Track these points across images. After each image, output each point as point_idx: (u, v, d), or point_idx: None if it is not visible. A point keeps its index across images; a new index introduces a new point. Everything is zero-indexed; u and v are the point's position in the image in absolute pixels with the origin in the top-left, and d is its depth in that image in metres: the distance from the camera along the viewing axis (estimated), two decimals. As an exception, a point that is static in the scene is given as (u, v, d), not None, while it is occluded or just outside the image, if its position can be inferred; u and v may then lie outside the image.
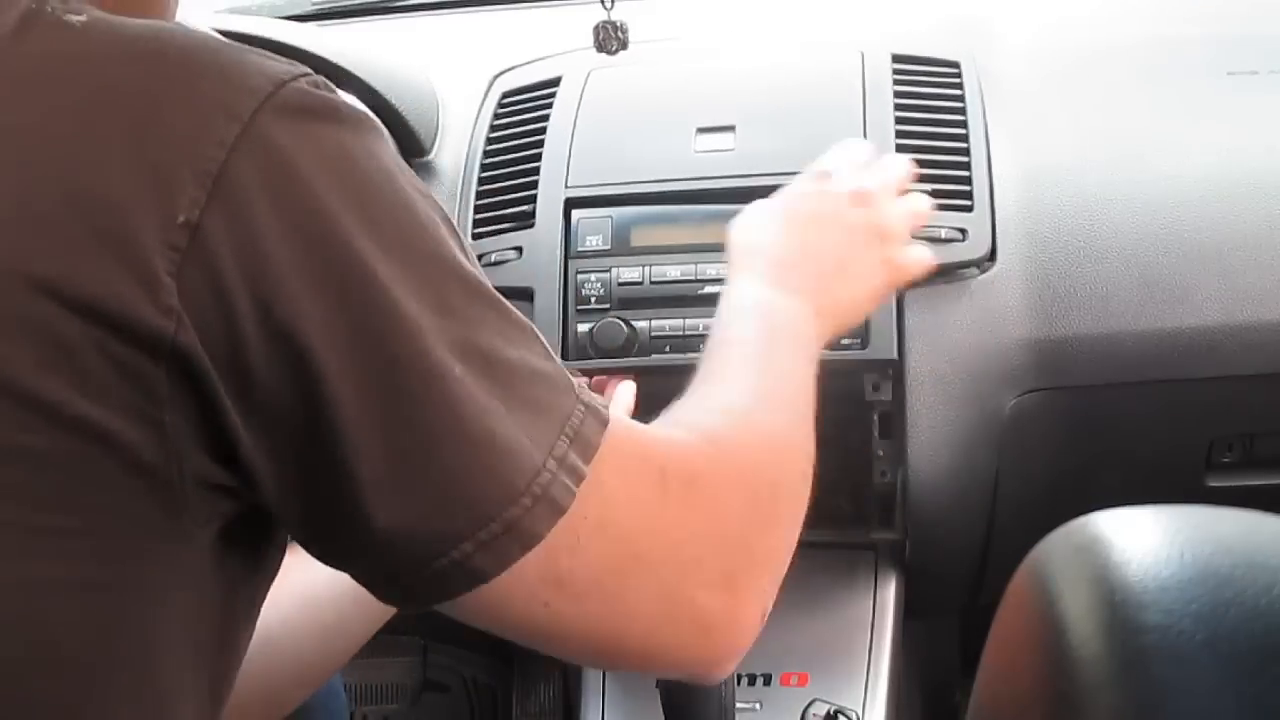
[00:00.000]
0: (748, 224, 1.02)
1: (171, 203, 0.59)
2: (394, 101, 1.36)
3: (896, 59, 1.35)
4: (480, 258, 1.26)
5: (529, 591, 0.65)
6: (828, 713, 1.17)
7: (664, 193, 1.28)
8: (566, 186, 1.30)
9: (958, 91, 1.34)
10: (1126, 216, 1.27)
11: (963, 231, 1.24)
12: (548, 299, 1.25)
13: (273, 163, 0.60)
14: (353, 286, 0.61)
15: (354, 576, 0.68)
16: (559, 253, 1.27)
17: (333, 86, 0.66)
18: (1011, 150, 1.32)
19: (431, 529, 0.63)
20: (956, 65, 1.37)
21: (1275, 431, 1.32)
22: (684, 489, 0.71)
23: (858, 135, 1.27)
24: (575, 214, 1.28)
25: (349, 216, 0.61)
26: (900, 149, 1.26)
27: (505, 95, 1.42)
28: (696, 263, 1.24)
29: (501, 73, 1.44)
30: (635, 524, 0.68)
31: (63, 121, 0.60)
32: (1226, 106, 1.35)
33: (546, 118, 1.36)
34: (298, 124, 0.61)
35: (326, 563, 0.68)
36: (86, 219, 0.58)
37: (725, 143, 1.30)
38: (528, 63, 1.45)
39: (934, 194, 1.21)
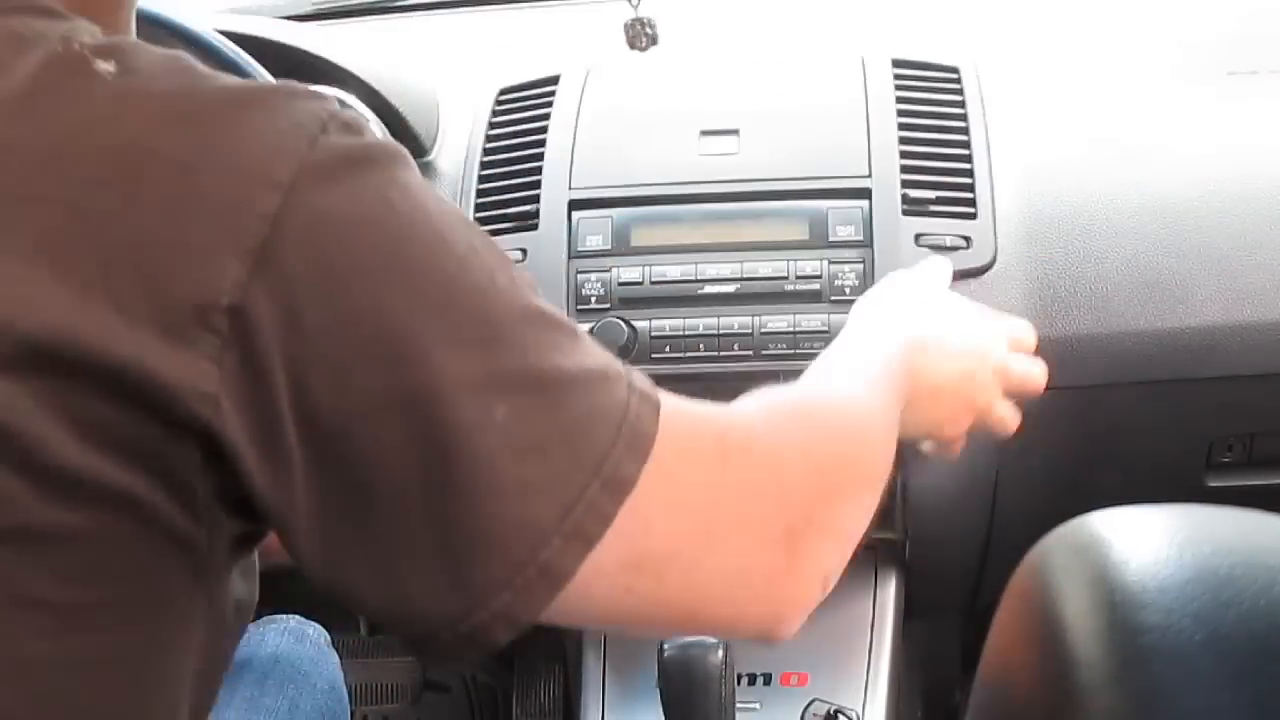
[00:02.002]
0: (915, 301, 0.99)
1: (214, 284, 0.57)
2: (394, 102, 1.36)
3: (897, 64, 1.35)
4: None
5: (610, 580, 0.65)
6: (828, 712, 1.17)
7: (669, 195, 1.28)
8: (570, 188, 1.30)
9: (958, 97, 1.33)
10: (1126, 217, 1.27)
11: (966, 239, 1.24)
12: (553, 300, 1.25)
13: (314, 234, 0.59)
14: (393, 358, 0.60)
15: (410, 640, 0.66)
16: (564, 255, 1.27)
17: (361, 119, 0.65)
18: (1012, 151, 1.32)
19: (483, 577, 0.62)
20: (956, 71, 1.37)
21: (1275, 431, 1.32)
22: (743, 452, 0.71)
23: (862, 141, 1.28)
24: (575, 214, 1.28)
25: (389, 278, 0.60)
26: (904, 155, 1.27)
27: (503, 93, 1.41)
28: (697, 263, 1.24)
29: (502, 74, 1.44)
30: (701, 495, 0.68)
31: (98, 195, 0.58)
32: (1226, 106, 1.35)
33: (547, 117, 1.35)
34: (335, 183, 0.60)
35: (380, 625, 0.68)
36: (126, 297, 0.57)
37: (729, 146, 1.30)
38: (530, 81, 1.45)
39: (937, 200, 1.23)
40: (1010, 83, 1.38)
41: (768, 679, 1.23)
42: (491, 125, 1.39)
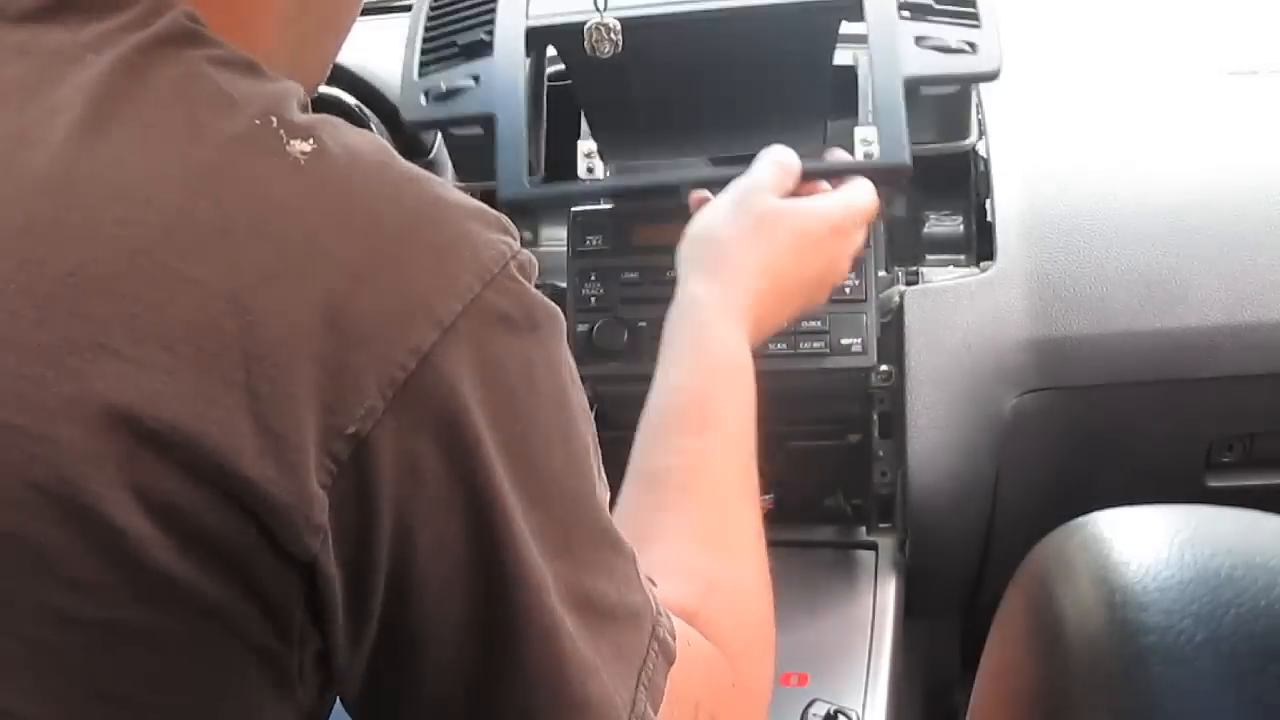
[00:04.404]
0: (728, 218, 1.01)
1: (347, 408, 0.54)
2: (394, 101, 1.36)
3: None
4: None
5: None
6: (828, 713, 1.17)
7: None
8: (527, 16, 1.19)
9: None
10: (1126, 217, 1.27)
11: (971, 45, 1.16)
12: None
13: (455, 383, 0.56)
14: (492, 531, 0.58)
15: None
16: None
17: (532, 263, 0.62)
18: (1012, 151, 1.32)
19: None
20: None
21: (1275, 431, 1.32)
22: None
23: None
24: (575, 213, 1.28)
25: (509, 450, 0.58)
26: None
27: None
28: (697, 263, 1.24)
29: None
30: None
31: (260, 290, 0.53)
32: (1226, 106, 1.35)
33: None
34: (494, 336, 0.57)
35: None
36: (255, 402, 0.53)
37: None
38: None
39: (939, 12, 1.17)
40: (1009, 84, 1.38)
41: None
42: None
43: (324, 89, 1.33)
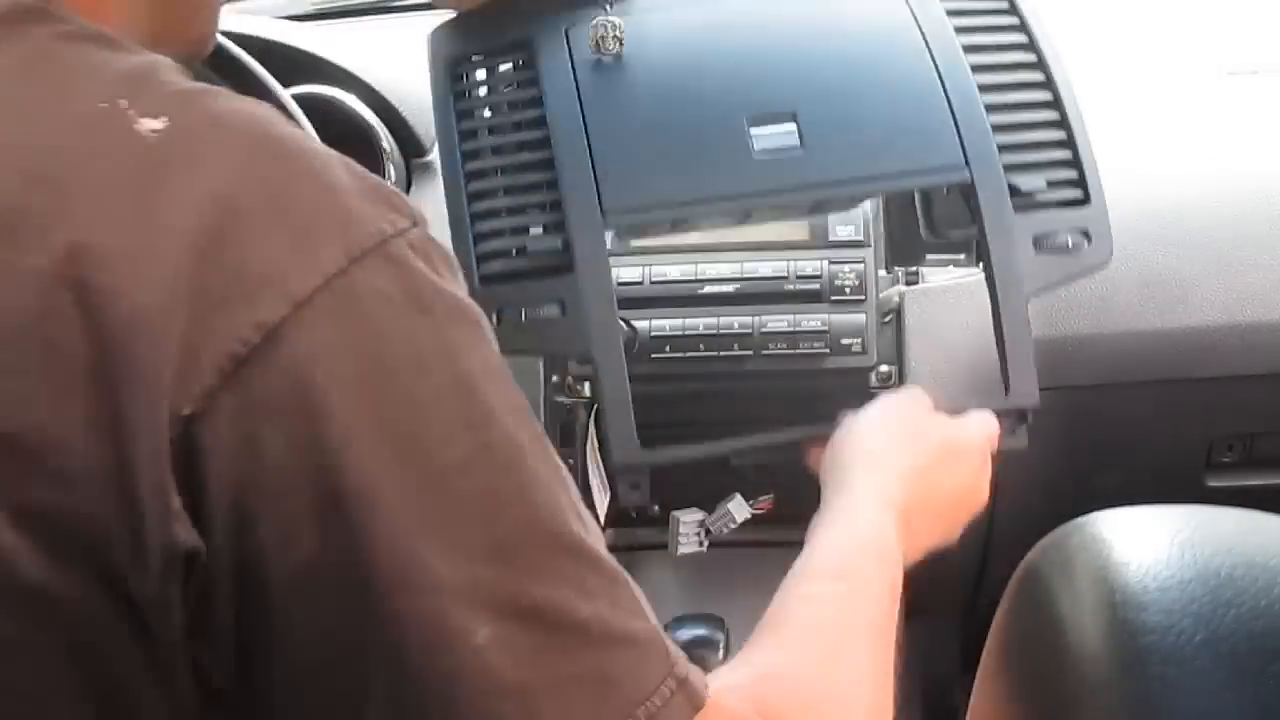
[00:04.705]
0: (879, 425, 0.91)
1: (187, 389, 0.50)
2: (394, 102, 1.36)
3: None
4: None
5: None
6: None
7: (727, 204, 0.96)
8: (603, 211, 0.92)
9: (1024, 39, 1.04)
10: (1126, 216, 1.27)
11: (1086, 235, 1.00)
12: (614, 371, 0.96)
13: (309, 362, 0.51)
14: (351, 524, 0.52)
15: None
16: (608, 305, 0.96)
17: (443, 252, 0.57)
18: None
19: None
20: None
21: (1275, 431, 1.32)
22: None
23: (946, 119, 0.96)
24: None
25: (386, 434, 0.52)
26: (997, 129, 0.97)
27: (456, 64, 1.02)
28: (696, 263, 1.24)
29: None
30: None
31: (95, 267, 0.51)
32: (1226, 106, 1.35)
33: (539, 103, 0.96)
34: (368, 314, 0.53)
35: None
36: (103, 391, 0.50)
37: (787, 138, 0.94)
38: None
39: (1051, 202, 0.99)
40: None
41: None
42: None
43: (324, 89, 1.33)
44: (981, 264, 0.97)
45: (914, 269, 1.30)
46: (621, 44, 0.94)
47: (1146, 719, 0.45)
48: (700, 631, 0.98)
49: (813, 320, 1.20)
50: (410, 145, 1.36)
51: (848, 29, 1.00)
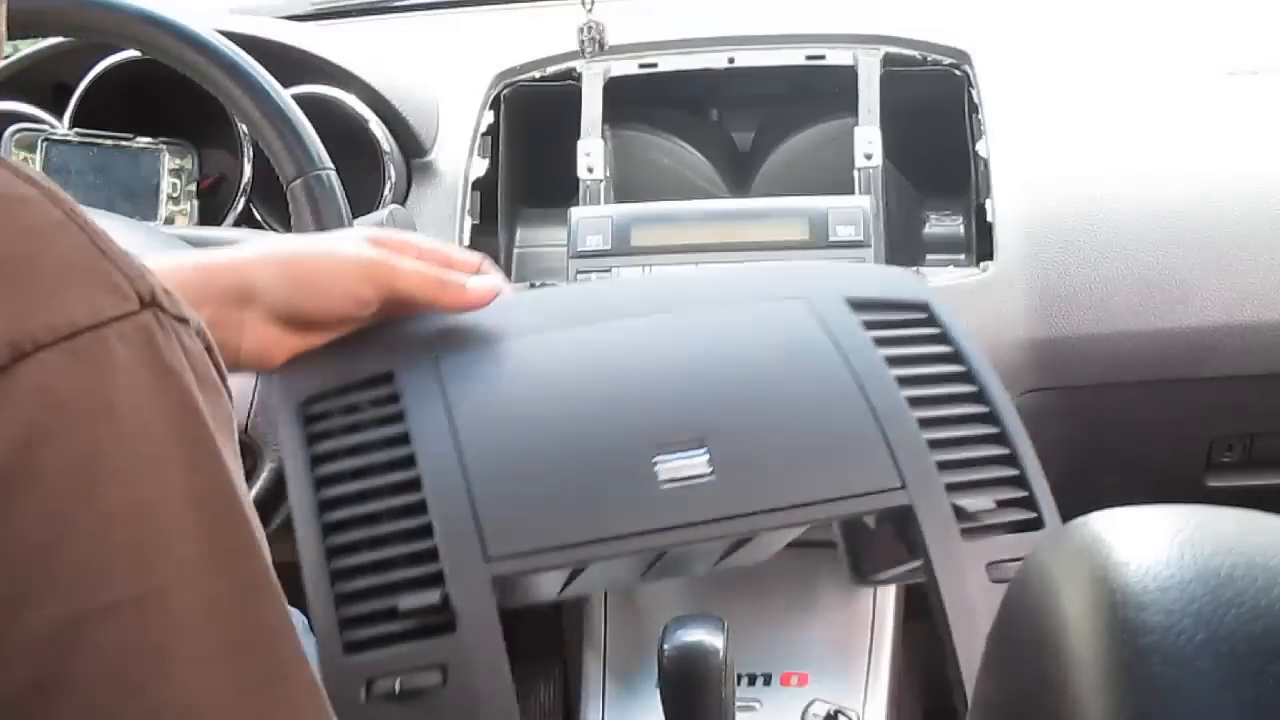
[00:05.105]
0: None
1: None
2: (394, 102, 1.36)
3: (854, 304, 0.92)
4: None
5: None
6: (828, 713, 1.17)
7: (631, 544, 0.81)
8: (487, 559, 0.78)
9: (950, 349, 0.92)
10: (1126, 217, 1.27)
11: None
12: None
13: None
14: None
15: None
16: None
17: (160, 343, 0.49)
18: (1011, 151, 1.32)
19: None
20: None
21: (1275, 431, 1.32)
22: None
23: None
24: (575, 214, 1.28)
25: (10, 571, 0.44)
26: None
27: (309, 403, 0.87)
28: (696, 263, 1.24)
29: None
30: None
31: None
32: (1226, 106, 1.35)
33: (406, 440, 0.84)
34: (9, 417, 0.44)
35: None
36: None
37: (697, 467, 0.83)
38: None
39: (993, 500, 0.87)
40: (1010, 84, 1.38)
41: (768, 679, 1.23)
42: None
43: (324, 89, 1.33)
44: (930, 598, 0.85)
45: (914, 269, 1.30)
46: (600, 47, 0.93)
47: (1146, 719, 0.45)
48: (700, 632, 0.98)
49: (813, 320, 1.20)
50: (410, 145, 1.37)
51: (757, 345, 0.89)
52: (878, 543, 0.89)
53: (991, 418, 0.88)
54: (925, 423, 0.84)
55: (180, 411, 0.48)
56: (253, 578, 0.48)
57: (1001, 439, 0.88)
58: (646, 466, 0.80)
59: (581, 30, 0.94)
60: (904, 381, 0.86)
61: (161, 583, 0.45)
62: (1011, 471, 0.87)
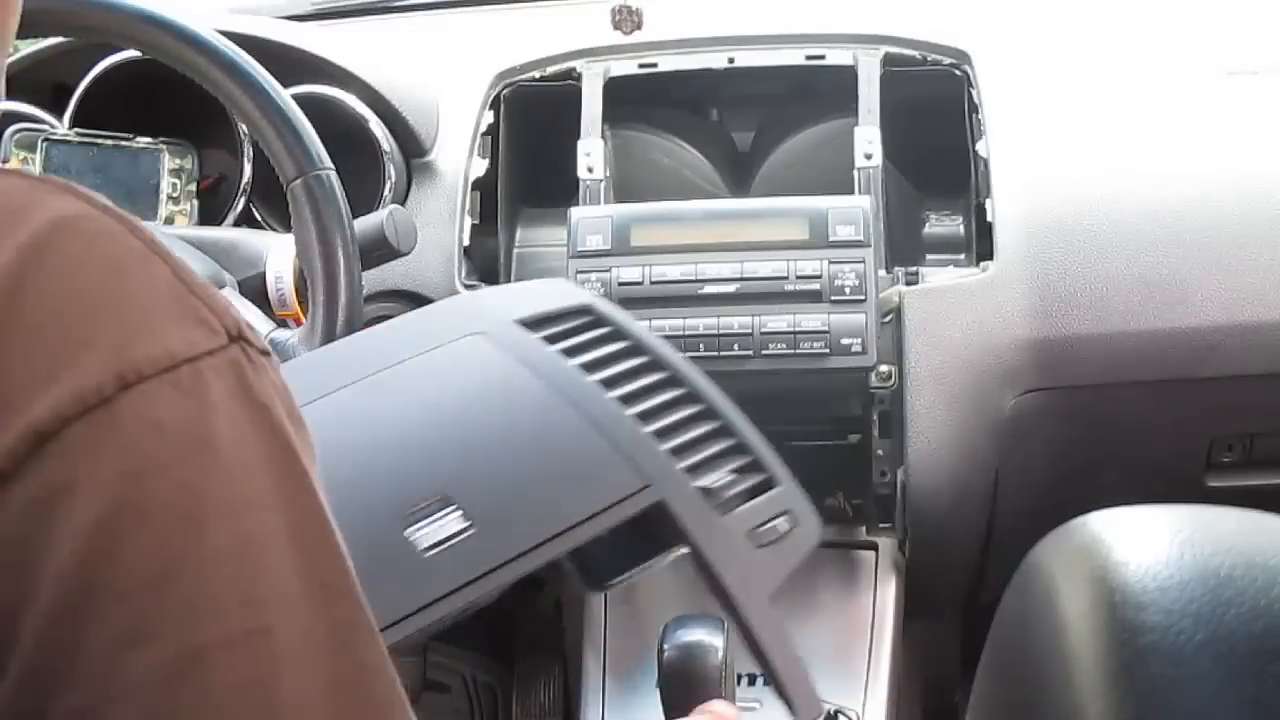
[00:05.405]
0: None
1: None
2: (394, 102, 1.36)
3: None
4: None
5: None
6: (828, 713, 1.17)
7: (411, 623, 0.78)
8: None
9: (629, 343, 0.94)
10: (1126, 217, 1.27)
11: (790, 516, 0.92)
12: None
13: (36, 512, 0.43)
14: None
15: None
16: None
17: (252, 374, 0.48)
18: (1011, 151, 1.32)
19: None
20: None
21: (1275, 431, 1.32)
22: None
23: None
24: (575, 214, 1.28)
25: (124, 611, 0.43)
26: None
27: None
28: (696, 263, 1.24)
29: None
30: None
31: None
32: (1226, 106, 1.35)
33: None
34: (115, 449, 0.44)
35: None
36: None
37: (454, 524, 0.81)
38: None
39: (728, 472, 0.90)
40: (1010, 84, 1.38)
41: (768, 679, 1.23)
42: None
43: (324, 89, 1.33)
44: (705, 582, 0.86)
45: (914, 269, 1.30)
46: (638, 25, 0.93)
47: (1146, 719, 0.45)
48: (700, 632, 0.98)
49: (813, 320, 1.20)
50: (410, 145, 1.37)
51: (459, 390, 0.88)
52: (610, 549, 0.87)
53: (694, 397, 0.89)
54: (641, 417, 0.85)
55: (275, 445, 0.47)
56: (349, 615, 0.47)
57: (711, 414, 0.89)
58: (402, 540, 0.77)
59: (616, 11, 0.93)
60: (605, 384, 0.86)
61: (267, 619, 0.44)
62: (730, 441, 0.88)
